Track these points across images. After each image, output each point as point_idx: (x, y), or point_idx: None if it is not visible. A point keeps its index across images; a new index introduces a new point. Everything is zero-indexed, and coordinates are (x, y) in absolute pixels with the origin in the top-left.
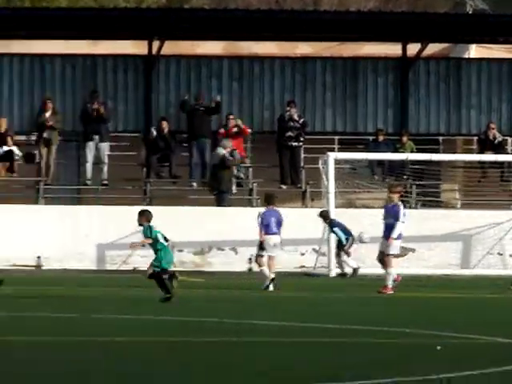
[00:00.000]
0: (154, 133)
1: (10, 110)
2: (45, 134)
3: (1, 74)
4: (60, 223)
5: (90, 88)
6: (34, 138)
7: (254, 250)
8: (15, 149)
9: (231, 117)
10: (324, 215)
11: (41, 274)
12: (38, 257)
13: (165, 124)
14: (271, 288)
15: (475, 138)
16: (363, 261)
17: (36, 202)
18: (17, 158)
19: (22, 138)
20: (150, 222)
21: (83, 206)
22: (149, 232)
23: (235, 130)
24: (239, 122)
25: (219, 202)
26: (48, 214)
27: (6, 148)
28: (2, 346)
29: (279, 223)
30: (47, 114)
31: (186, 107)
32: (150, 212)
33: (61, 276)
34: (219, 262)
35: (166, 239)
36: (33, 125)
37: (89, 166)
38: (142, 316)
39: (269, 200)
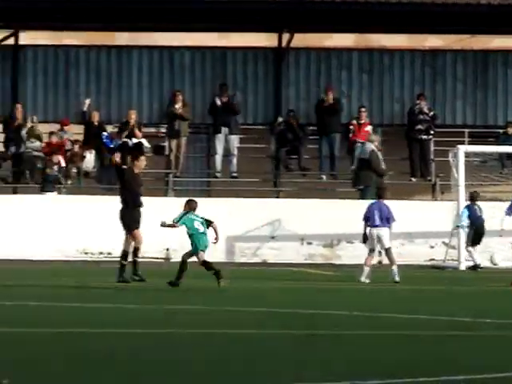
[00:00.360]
0: (280, 119)
1: (139, 102)
2: (174, 126)
3: (130, 67)
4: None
5: (219, 80)
6: (163, 130)
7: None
8: (144, 141)
9: (363, 109)
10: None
11: (169, 266)
12: (167, 249)
13: (292, 116)
14: (363, 279)
15: None
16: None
17: (165, 195)
18: (146, 150)
19: (152, 130)
20: (192, 210)
21: (212, 199)
22: (177, 218)
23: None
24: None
25: (364, 196)
26: (177, 206)
27: (135, 140)
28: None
29: (385, 216)
30: (177, 106)
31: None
32: (192, 201)
33: (189, 268)
34: (348, 255)
35: (206, 224)
36: (162, 117)
37: (218, 158)
38: (270, 309)
39: (379, 193)
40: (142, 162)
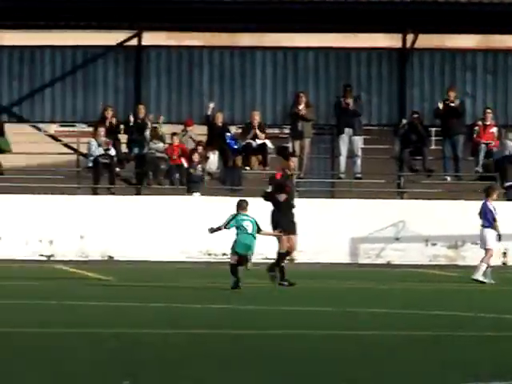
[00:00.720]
0: (404, 121)
1: (262, 103)
2: (298, 127)
3: (253, 68)
4: (313, 216)
5: (343, 81)
6: (287, 131)
7: (508, 244)
8: (268, 142)
9: (488, 111)
10: None
11: (294, 267)
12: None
13: (416, 117)
14: (481, 279)
15: None
16: None
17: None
18: (270, 151)
19: (275, 131)
20: (242, 210)
21: (336, 200)
22: (225, 222)
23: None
24: None
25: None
26: (302, 208)
27: (259, 141)
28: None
29: (487, 216)
30: (300, 107)
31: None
32: (243, 202)
33: (314, 269)
34: (473, 257)
35: (257, 228)
36: (285, 118)
37: (342, 160)
38: (391, 310)
39: (486, 192)
40: (292, 162)
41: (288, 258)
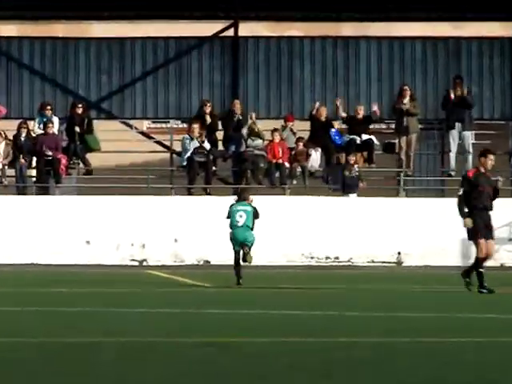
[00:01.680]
0: None
1: (367, 96)
2: (403, 123)
3: (358, 59)
4: (422, 217)
5: (452, 72)
6: (393, 126)
7: None
8: (374, 138)
9: None
10: None
11: (401, 270)
12: (399, 253)
13: None
14: None
15: None
16: None
17: (396, 195)
18: (376, 147)
19: (382, 126)
20: (239, 200)
21: (446, 199)
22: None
23: None
24: None
25: None
26: (409, 207)
27: (364, 137)
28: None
29: None
30: (405, 101)
31: None
32: (242, 191)
33: (421, 273)
34: None
35: (254, 216)
36: (391, 112)
37: (452, 156)
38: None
39: None
40: (490, 160)
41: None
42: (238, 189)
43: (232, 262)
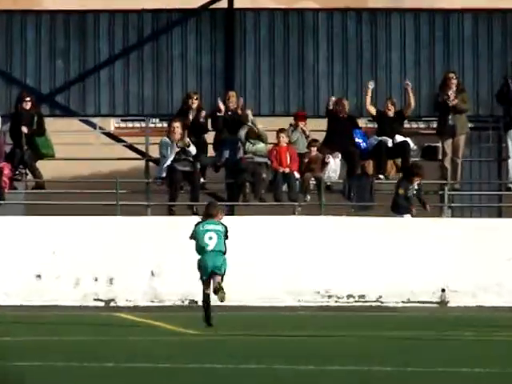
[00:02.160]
0: None
1: (401, 86)
2: (448, 121)
3: (388, 38)
4: (473, 243)
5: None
6: (435, 125)
7: None
8: (409, 140)
9: None
10: None
11: (446, 312)
12: (443, 290)
13: None
14: None
15: None
16: None
17: (440, 214)
18: (413, 153)
19: (421, 125)
20: (207, 217)
21: (505, 220)
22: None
23: None
24: None
25: None
26: (456, 230)
27: (399, 138)
28: None
29: None
30: (450, 92)
31: None
32: (210, 205)
33: (470, 315)
34: None
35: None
36: (432, 108)
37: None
38: None
39: None
40: None
41: None
42: (232, 207)
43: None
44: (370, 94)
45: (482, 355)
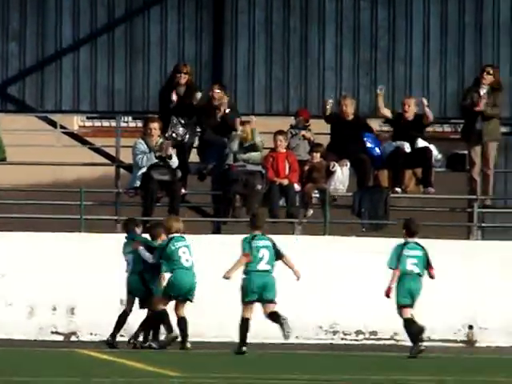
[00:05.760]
0: None
1: (422, 82)
2: (475, 125)
3: (409, 24)
4: (504, 271)
5: None
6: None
7: None
8: (432, 147)
9: None
10: None
11: (474, 353)
12: (470, 326)
13: None
14: None
15: None
16: None
17: (467, 236)
18: (436, 162)
19: (446, 129)
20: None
21: None
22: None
23: None
24: None
25: None
26: (487, 255)
27: (420, 143)
28: None
29: None
30: (482, 92)
31: None
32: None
33: (503, 357)
34: None
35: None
36: (458, 108)
37: None
38: None
39: None
40: None
41: None
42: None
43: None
44: (381, 100)
45: None
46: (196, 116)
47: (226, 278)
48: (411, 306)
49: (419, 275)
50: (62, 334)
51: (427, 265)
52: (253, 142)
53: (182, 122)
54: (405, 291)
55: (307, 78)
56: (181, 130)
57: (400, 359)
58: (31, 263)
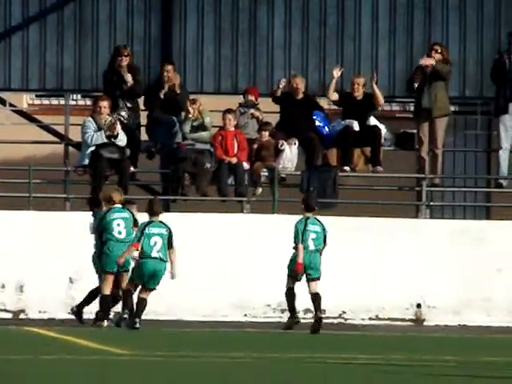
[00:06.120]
0: None
1: (372, 60)
2: (424, 102)
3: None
4: (455, 249)
5: (509, 24)
6: (411, 107)
7: None
8: (381, 126)
9: None
10: None
11: (422, 332)
12: (418, 305)
13: None
14: None
15: None
16: None
17: (416, 215)
18: (386, 140)
19: (394, 107)
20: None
21: (494, 222)
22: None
23: None
24: None
25: None
26: (435, 234)
27: (373, 121)
28: None
29: None
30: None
31: None
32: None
33: (451, 336)
34: None
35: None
36: (406, 86)
37: (503, 156)
38: None
39: None
40: None
41: None
42: (168, 201)
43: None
44: (334, 83)
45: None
46: (144, 95)
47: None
48: (309, 279)
49: (317, 250)
50: (10, 312)
51: (324, 241)
52: (201, 121)
53: (128, 105)
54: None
55: (256, 57)
56: (123, 113)
57: (346, 337)
58: None
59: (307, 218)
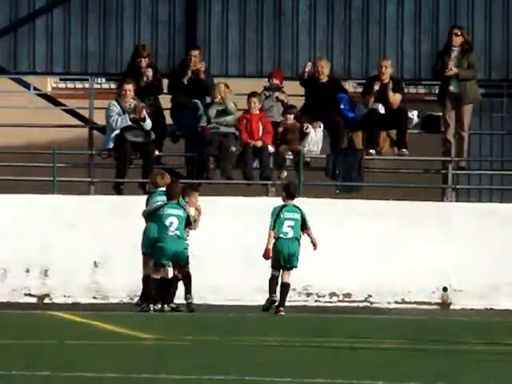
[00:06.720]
0: None
1: (397, 45)
2: (449, 86)
3: None
4: (481, 233)
5: None
6: (436, 90)
7: None
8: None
9: None
10: None
11: (448, 315)
12: (444, 288)
13: None
14: None
15: None
16: None
17: (442, 198)
18: (411, 124)
19: (420, 90)
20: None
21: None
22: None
23: None
24: None
25: None
26: (461, 218)
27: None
28: None
29: None
30: (452, 54)
31: None
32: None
33: (480, 321)
34: None
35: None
36: (430, 70)
37: None
38: None
39: None
40: None
41: None
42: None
43: None
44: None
45: (492, 369)
46: (168, 79)
47: None
48: (286, 268)
49: (296, 238)
50: (35, 296)
51: (303, 227)
52: (224, 106)
53: (149, 102)
54: (277, 253)
55: (281, 40)
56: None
57: (372, 321)
58: (4, 225)
59: (284, 206)
